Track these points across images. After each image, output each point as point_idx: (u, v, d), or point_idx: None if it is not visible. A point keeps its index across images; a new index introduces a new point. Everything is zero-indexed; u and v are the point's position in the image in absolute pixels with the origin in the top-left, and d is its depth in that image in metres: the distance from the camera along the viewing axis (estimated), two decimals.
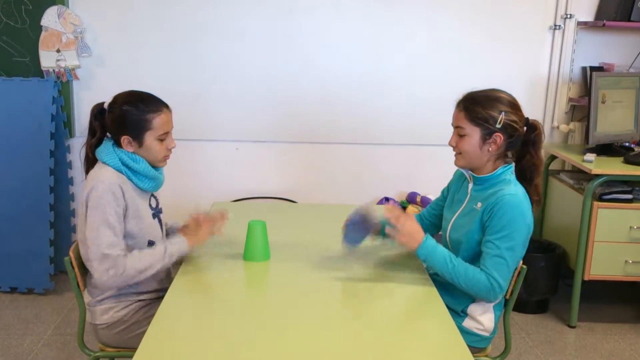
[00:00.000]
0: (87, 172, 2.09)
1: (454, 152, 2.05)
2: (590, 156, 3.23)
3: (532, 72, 3.71)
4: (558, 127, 3.78)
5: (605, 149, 3.41)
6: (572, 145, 3.72)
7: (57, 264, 3.49)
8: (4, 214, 3.41)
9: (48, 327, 3.13)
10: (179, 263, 2.09)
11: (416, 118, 3.69)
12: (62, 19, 3.42)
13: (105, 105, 2.05)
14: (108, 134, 2.08)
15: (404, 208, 3.68)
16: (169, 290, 1.88)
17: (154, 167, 2.09)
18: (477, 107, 1.96)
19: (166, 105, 2.06)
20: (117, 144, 2.04)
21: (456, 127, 2.02)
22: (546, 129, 3.80)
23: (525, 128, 2.01)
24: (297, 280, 1.98)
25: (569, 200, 3.41)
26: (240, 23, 3.55)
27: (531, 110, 3.68)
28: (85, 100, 3.60)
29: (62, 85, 3.51)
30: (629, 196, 3.17)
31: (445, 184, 2.29)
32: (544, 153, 3.71)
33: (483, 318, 2.05)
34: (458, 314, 2.06)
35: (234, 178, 3.76)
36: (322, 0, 3.55)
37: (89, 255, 1.96)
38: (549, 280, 3.37)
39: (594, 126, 3.30)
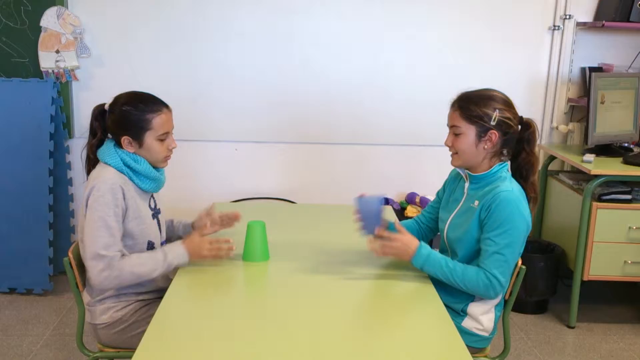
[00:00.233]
0: (88, 172, 2.09)
1: (450, 152, 2.07)
2: (590, 157, 3.23)
3: (531, 72, 3.72)
4: (557, 128, 3.78)
5: (605, 150, 3.41)
6: (571, 146, 3.72)
7: (56, 264, 3.49)
8: (3, 214, 3.41)
9: (47, 328, 3.13)
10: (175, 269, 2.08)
11: (415, 118, 3.69)
12: (62, 20, 3.42)
13: (106, 107, 2.05)
14: (109, 134, 2.08)
15: (403, 209, 3.68)
16: (168, 290, 1.88)
17: (155, 167, 2.09)
18: (471, 105, 1.99)
19: (166, 106, 2.07)
20: (118, 144, 2.04)
21: (451, 126, 2.04)
22: (545, 130, 3.80)
23: (519, 126, 2.03)
24: (296, 281, 1.98)
25: (568, 200, 3.41)
26: (240, 24, 3.55)
27: (530, 110, 3.72)
28: (85, 101, 3.60)
29: (62, 86, 3.51)
30: (628, 196, 3.17)
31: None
32: (543, 153, 3.76)
33: (483, 318, 2.05)
34: (458, 313, 2.06)
35: (233, 178, 3.76)
36: (321, 1, 3.55)
37: (85, 254, 1.97)
38: (548, 281, 3.37)
39: (593, 127, 3.30)
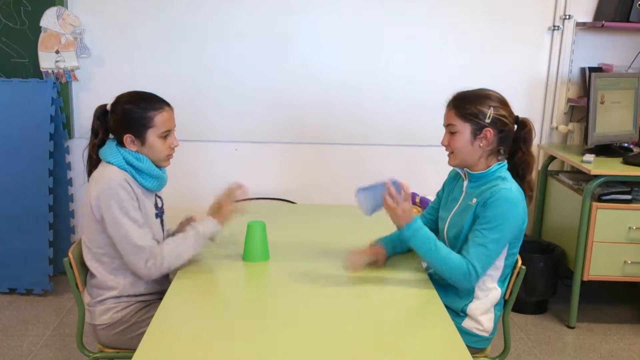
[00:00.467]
0: (89, 173, 2.09)
1: (447, 152, 2.08)
2: (589, 157, 3.23)
3: (531, 72, 3.72)
4: (557, 128, 3.78)
5: (604, 150, 3.41)
6: (571, 146, 3.72)
7: (56, 265, 3.49)
8: (3, 214, 3.41)
9: (47, 328, 3.13)
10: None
11: (415, 119, 3.69)
12: (61, 20, 3.42)
13: (108, 107, 2.06)
14: (111, 135, 2.08)
15: None
16: (168, 291, 1.88)
17: (158, 166, 2.09)
18: (466, 103, 2.00)
19: (168, 104, 2.08)
20: (120, 143, 2.05)
21: (447, 125, 2.06)
22: (545, 130, 3.81)
23: (515, 125, 2.05)
24: (296, 281, 1.98)
25: (568, 200, 3.41)
26: (240, 24, 3.55)
27: (530, 110, 3.72)
28: (85, 101, 3.60)
29: (61, 86, 3.51)
30: (628, 197, 3.17)
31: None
32: (543, 153, 3.76)
33: (483, 318, 2.05)
34: (457, 313, 2.06)
35: (233, 179, 3.72)
36: (321, 1, 3.55)
37: (123, 253, 1.98)
38: (548, 281, 3.37)
39: (592, 127, 3.30)
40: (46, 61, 3.45)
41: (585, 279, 3.22)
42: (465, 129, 2.00)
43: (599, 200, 3.16)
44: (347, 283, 1.98)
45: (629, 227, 3.16)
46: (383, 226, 2.27)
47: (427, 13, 3.59)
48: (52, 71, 3.47)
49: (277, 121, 3.68)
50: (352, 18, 3.57)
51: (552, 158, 3.67)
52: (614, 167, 3.18)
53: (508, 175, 2.03)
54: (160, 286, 2.14)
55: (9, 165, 3.40)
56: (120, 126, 2.03)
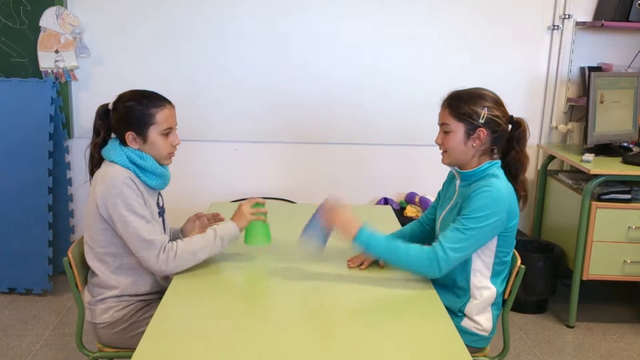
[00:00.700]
0: (91, 172, 2.10)
1: (440, 150, 2.08)
2: (589, 156, 3.24)
3: (530, 72, 3.72)
4: (556, 127, 3.78)
5: (604, 149, 3.41)
6: (570, 145, 3.72)
7: (56, 264, 3.49)
8: (2, 214, 3.41)
9: (47, 328, 3.13)
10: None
11: (415, 118, 3.69)
12: (61, 20, 3.42)
13: (110, 106, 2.06)
14: (113, 134, 2.09)
15: (403, 209, 3.68)
16: (168, 290, 1.88)
17: (160, 164, 2.10)
18: (461, 103, 2.00)
19: (169, 102, 2.09)
20: (123, 142, 2.05)
21: (441, 124, 2.06)
22: (545, 129, 3.81)
23: (509, 125, 2.04)
24: (296, 281, 1.98)
25: (567, 200, 3.41)
26: (239, 24, 3.56)
27: (530, 110, 3.73)
28: (84, 101, 3.60)
29: (61, 86, 3.51)
30: (628, 196, 3.17)
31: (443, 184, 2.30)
32: (542, 153, 3.76)
33: (480, 318, 2.06)
34: (455, 314, 2.07)
35: (232, 178, 3.76)
36: (320, 1, 3.55)
37: (134, 250, 1.97)
38: (548, 280, 3.37)
39: (592, 126, 3.30)
40: (45, 61, 3.45)
41: (584, 278, 3.22)
42: (458, 129, 2.00)
43: (599, 199, 3.16)
44: (347, 283, 1.98)
45: (629, 227, 3.16)
46: (383, 226, 2.27)
47: (426, 13, 3.59)
48: (52, 71, 3.47)
49: (276, 121, 3.68)
50: (352, 18, 3.57)
51: (551, 157, 3.67)
52: (613, 167, 3.18)
53: (500, 173, 2.02)
54: (161, 286, 2.14)
55: (8, 165, 3.40)
56: (122, 123, 2.03)
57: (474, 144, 2.00)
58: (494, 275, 2.06)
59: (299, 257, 2.16)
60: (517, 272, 2.08)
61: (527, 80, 3.73)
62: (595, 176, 3.12)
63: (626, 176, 3.15)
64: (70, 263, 2.05)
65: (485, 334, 2.08)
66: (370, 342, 1.60)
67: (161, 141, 2.05)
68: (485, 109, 1.98)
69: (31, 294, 3.48)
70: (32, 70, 3.48)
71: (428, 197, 3.63)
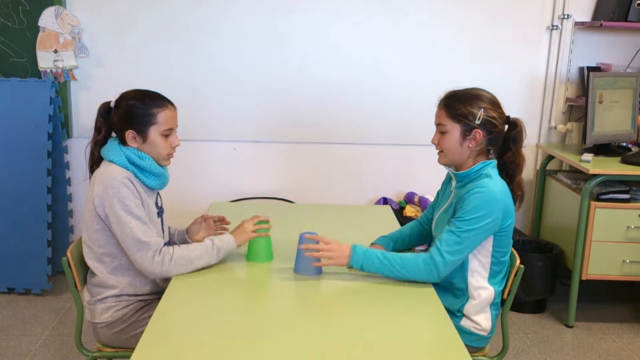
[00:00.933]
0: (91, 170, 2.10)
1: (437, 150, 2.08)
2: (588, 156, 3.24)
3: (529, 72, 3.72)
4: (555, 127, 3.78)
5: (603, 149, 3.41)
6: (569, 145, 3.72)
7: (55, 264, 3.49)
8: (1, 214, 3.40)
9: (46, 328, 3.12)
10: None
11: (414, 118, 3.69)
12: (60, 20, 3.42)
13: (112, 104, 2.07)
14: (113, 133, 2.09)
15: (402, 208, 3.68)
16: (167, 290, 1.88)
17: (158, 165, 2.10)
18: (457, 103, 2.01)
19: (172, 103, 2.09)
20: (122, 141, 2.05)
21: (438, 124, 2.07)
22: (544, 129, 3.81)
23: (506, 126, 2.04)
24: (295, 281, 1.98)
25: (566, 200, 3.41)
26: (238, 23, 3.55)
27: (529, 110, 3.73)
28: (83, 100, 3.60)
29: (60, 85, 3.51)
30: (626, 196, 3.18)
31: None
32: (541, 153, 3.77)
33: (478, 318, 2.06)
34: (454, 314, 2.07)
35: (231, 178, 3.76)
36: (320, 1, 3.55)
37: (129, 252, 1.97)
38: (547, 280, 3.37)
39: (591, 126, 3.30)
40: (44, 61, 3.45)
41: (583, 278, 3.22)
42: (454, 130, 2.01)
43: (598, 199, 3.16)
44: (347, 282, 1.98)
45: (628, 227, 3.16)
46: (383, 226, 2.27)
47: (426, 12, 3.59)
48: (51, 71, 3.47)
49: (275, 121, 3.68)
50: (351, 18, 3.57)
51: (550, 157, 3.67)
52: (612, 167, 3.18)
53: (494, 173, 2.02)
54: (160, 286, 2.14)
55: (7, 165, 3.40)
56: (123, 121, 2.03)
57: (470, 145, 2.01)
58: (492, 276, 2.06)
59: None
60: (516, 272, 2.08)
61: (526, 80, 3.73)
62: (594, 176, 3.12)
63: (625, 176, 3.15)
64: (69, 263, 2.05)
65: (485, 333, 2.09)
66: (370, 342, 1.60)
67: (161, 141, 2.05)
68: (482, 109, 1.98)
69: (30, 293, 3.47)
70: (31, 70, 3.48)
71: (427, 196, 3.63)
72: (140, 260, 1.96)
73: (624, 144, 3.54)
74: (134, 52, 3.56)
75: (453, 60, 3.65)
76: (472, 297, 2.05)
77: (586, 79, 3.41)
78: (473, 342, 2.08)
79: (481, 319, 2.06)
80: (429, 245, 2.07)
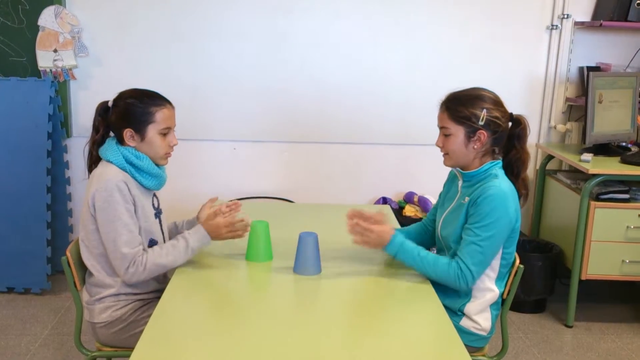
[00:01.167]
0: (89, 169, 2.10)
1: (442, 153, 2.07)
2: (587, 156, 3.24)
3: (529, 72, 3.72)
4: (555, 127, 3.78)
5: (602, 149, 3.42)
6: (569, 145, 3.72)
7: (54, 264, 3.49)
8: (0, 213, 3.40)
9: (45, 327, 3.12)
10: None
11: (413, 118, 3.69)
12: (60, 19, 3.42)
13: (110, 103, 2.07)
14: (111, 132, 2.09)
15: (402, 208, 3.68)
16: (166, 289, 1.88)
17: (156, 164, 2.09)
18: (459, 106, 2.00)
19: (170, 102, 2.09)
20: (120, 140, 2.05)
21: (441, 127, 2.06)
22: (543, 129, 3.81)
23: (510, 124, 2.04)
24: (295, 280, 1.98)
25: (566, 200, 3.41)
26: (238, 23, 3.55)
27: (528, 109, 3.73)
28: (83, 100, 3.60)
29: (59, 85, 3.51)
30: (626, 196, 3.18)
31: (442, 184, 2.30)
32: (541, 152, 3.77)
33: (479, 317, 2.06)
34: (455, 313, 2.07)
35: (231, 178, 3.76)
36: (320, 1, 3.55)
37: (109, 256, 1.99)
38: (546, 280, 3.37)
39: (591, 126, 3.30)
40: (44, 60, 3.45)
41: (583, 278, 3.22)
42: (458, 132, 2.00)
43: (597, 199, 3.16)
44: (346, 282, 1.98)
45: (627, 227, 3.16)
46: None
47: (426, 12, 3.59)
48: (50, 70, 3.47)
49: (275, 120, 3.68)
50: (351, 17, 3.57)
51: (550, 157, 3.67)
52: (612, 167, 3.18)
53: (501, 172, 2.02)
54: (159, 285, 2.14)
55: (7, 164, 3.40)
56: (121, 120, 2.03)
57: (475, 146, 2.00)
58: (500, 278, 2.06)
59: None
60: (516, 271, 2.08)
61: (525, 80, 3.73)
62: (594, 176, 3.12)
63: (625, 176, 3.15)
64: (68, 262, 2.05)
65: (484, 333, 2.09)
66: (369, 342, 1.60)
67: (159, 140, 2.05)
68: (485, 110, 1.97)
69: (30, 293, 3.47)
70: (31, 69, 3.48)
71: (427, 196, 3.63)
72: (117, 266, 1.99)
73: (624, 144, 3.54)
74: (134, 52, 3.55)
75: (453, 60, 3.65)
76: (475, 297, 2.05)
77: (586, 79, 3.41)
78: (473, 342, 2.08)
79: (481, 319, 2.06)
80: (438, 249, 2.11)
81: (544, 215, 3.72)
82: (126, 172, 2.01)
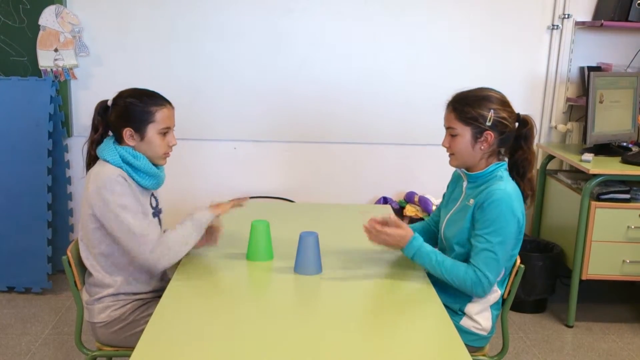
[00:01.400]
0: (87, 168, 2.10)
1: (448, 153, 2.07)
2: (588, 156, 3.24)
3: (530, 72, 3.72)
4: (556, 127, 3.78)
5: (603, 149, 3.41)
6: (569, 145, 3.72)
7: (55, 263, 3.49)
8: (1, 213, 3.41)
9: (46, 327, 3.12)
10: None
11: (414, 117, 3.69)
12: (60, 19, 3.42)
13: (109, 102, 2.07)
14: (110, 132, 2.09)
15: (402, 208, 3.68)
16: (167, 289, 1.88)
17: (154, 164, 2.09)
18: (466, 107, 1.99)
19: (169, 102, 2.09)
20: (119, 139, 2.05)
21: (448, 127, 2.05)
22: (544, 129, 3.81)
23: (517, 124, 2.04)
24: (295, 280, 1.98)
25: (566, 200, 3.41)
26: (239, 22, 3.55)
27: (529, 109, 3.72)
28: (83, 99, 3.60)
29: (60, 84, 3.51)
30: (627, 196, 3.17)
31: (442, 184, 2.30)
32: (542, 152, 3.77)
33: (480, 317, 2.06)
34: (456, 312, 2.07)
35: (231, 177, 3.76)
36: (320, 1, 3.55)
37: (128, 248, 1.97)
38: (547, 280, 3.37)
39: (591, 126, 3.30)
40: (45, 59, 3.45)
41: (583, 278, 3.22)
42: (465, 133, 1.99)
43: (598, 199, 3.16)
44: (347, 282, 1.98)
45: (628, 227, 3.16)
46: None
47: (426, 12, 3.59)
48: (51, 69, 3.47)
49: (276, 120, 3.68)
50: (351, 17, 3.57)
51: (550, 157, 3.67)
52: (612, 167, 3.18)
53: (505, 174, 2.02)
54: (158, 284, 2.14)
55: (7, 163, 3.40)
56: (120, 119, 2.03)
57: (482, 147, 1.99)
58: (504, 279, 2.06)
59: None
60: (517, 271, 2.07)
61: (526, 80, 3.73)
62: (595, 176, 3.12)
63: (625, 176, 3.15)
64: (69, 262, 2.05)
65: (485, 333, 2.09)
66: (370, 341, 1.60)
67: (158, 140, 2.05)
68: (492, 111, 1.96)
69: (30, 292, 3.48)
70: (32, 68, 3.48)
71: (427, 196, 3.63)
72: (140, 254, 1.96)
73: (625, 144, 3.54)
74: (135, 51, 3.56)
75: (453, 60, 3.65)
76: (477, 297, 2.04)
77: (587, 79, 3.41)
78: (473, 341, 2.08)
79: (482, 319, 2.06)
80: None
81: (544, 215, 3.72)
82: (122, 170, 2.01)
